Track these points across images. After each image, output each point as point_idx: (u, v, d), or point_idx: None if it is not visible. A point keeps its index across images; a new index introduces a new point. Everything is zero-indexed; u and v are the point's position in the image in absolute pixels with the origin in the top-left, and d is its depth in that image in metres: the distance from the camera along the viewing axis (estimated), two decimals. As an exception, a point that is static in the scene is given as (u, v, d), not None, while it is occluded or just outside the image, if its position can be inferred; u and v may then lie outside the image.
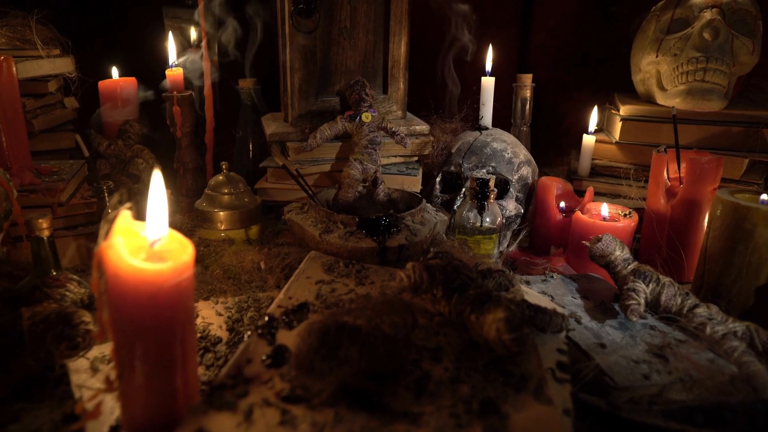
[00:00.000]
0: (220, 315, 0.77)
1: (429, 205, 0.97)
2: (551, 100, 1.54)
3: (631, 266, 0.84)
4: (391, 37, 1.11)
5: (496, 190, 0.93)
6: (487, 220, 0.93)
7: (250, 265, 0.81)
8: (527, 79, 1.29)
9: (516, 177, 1.08)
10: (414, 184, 1.10)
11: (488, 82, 1.11)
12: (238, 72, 1.31)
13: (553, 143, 1.54)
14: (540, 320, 0.65)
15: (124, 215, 0.51)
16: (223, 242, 0.93)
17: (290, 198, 1.09)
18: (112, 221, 0.50)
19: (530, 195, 1.15)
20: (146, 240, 0.51)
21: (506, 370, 0.56)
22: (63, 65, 1.27)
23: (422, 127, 1.15)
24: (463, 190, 1.06)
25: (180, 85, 1.02)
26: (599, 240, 0.85)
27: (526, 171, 1.11)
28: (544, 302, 0.79)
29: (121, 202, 0.76)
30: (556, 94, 1.55)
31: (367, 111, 1.04)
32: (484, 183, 0.91)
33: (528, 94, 1.30)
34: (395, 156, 1.15)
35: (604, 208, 1.01)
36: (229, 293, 0.81)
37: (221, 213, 0.92)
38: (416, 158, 1.16)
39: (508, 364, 0.57)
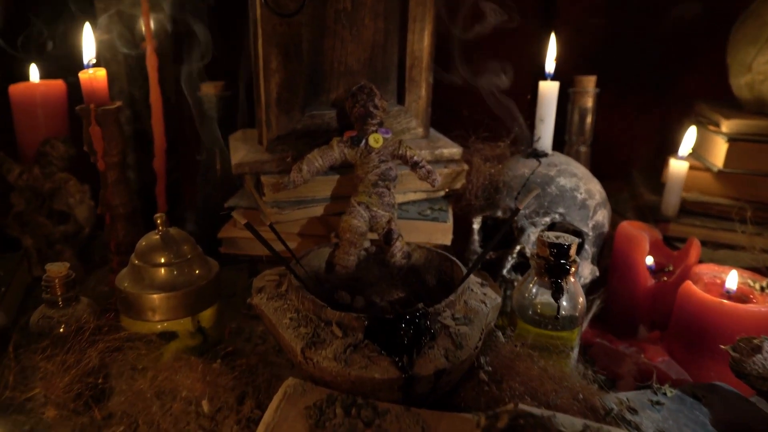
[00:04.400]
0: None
1: (472, 276, 0.64)
2: None
3: (814, 397, 0.51)
4: (409, 25, 0.78)
5: (579, 261, 0.60)
6: (564, 304, 0.60)
7: (179, 409, 0.48)
8: (589, 82, 0.97)
9: (591, 225, 0.75)
10: (443, 233, 0.78)
11: (549, 89, 0.78)
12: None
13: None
14: None
15: None
16: (159, 339, 0.60)
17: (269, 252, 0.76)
18: None
19: (603, 246, 0.82)
20: None
21: None
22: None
23: (452, 150, 0.82)
24: (518, 248, 0.73)
25: (102, 93, 0.69)
26: (756, 347, 0.53)
27: (602, 216, 0.78)
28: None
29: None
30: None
31: (376, 131, 0.71)
32: (563, 251, 0.58)
33: (590, 103, 0.97)
34: (414, 192, 0.82)
35: (732, 278, 0.68)
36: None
37: (154, 296, 0.59)
38: (443, 194, 0.84)
39: None
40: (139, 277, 0.61)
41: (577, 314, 0.61)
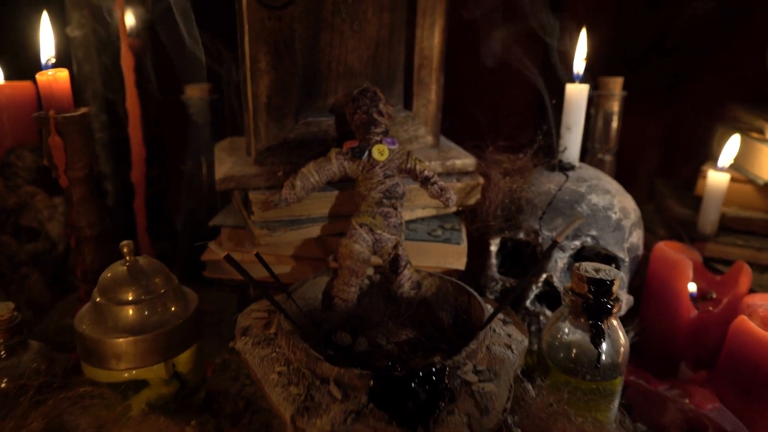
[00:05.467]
0: None
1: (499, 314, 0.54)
2: None
3: None
4: (418, 19, 0.68)
5: (622, 300, 0.51)
6: (603, 348, 0.51)
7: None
8: (615, 84, 0.87)
9: (626, 247, 0.66)
10: (456, 257, 0.68)
11: (577, 93, 0.68)
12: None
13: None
14: None
15: None
16: (122, 395, 0.51)
17: (259, 276, 0.66)
18: None
19: (637, 270, 0.72)
20: None
21: None
22: None
23: (465, 160, 0.72)
24: (544, 276, 0.63)
25: (64, 98, 0.60)
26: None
27: (637, 237, 0.69)
28: None
29: None
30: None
31: (380, 141, 0.62)
32: (604, 288, 0.49)
33: (616, 107, 0.88)
34: (423, 208, 0.72)
35: (794, 315, 0.59)
36: None
37: (119, 341, 0.50)
38: (455, 210, 0.74)
39: None
40: (101, 317, 0.51)
41: (620, 360, 0.51)
